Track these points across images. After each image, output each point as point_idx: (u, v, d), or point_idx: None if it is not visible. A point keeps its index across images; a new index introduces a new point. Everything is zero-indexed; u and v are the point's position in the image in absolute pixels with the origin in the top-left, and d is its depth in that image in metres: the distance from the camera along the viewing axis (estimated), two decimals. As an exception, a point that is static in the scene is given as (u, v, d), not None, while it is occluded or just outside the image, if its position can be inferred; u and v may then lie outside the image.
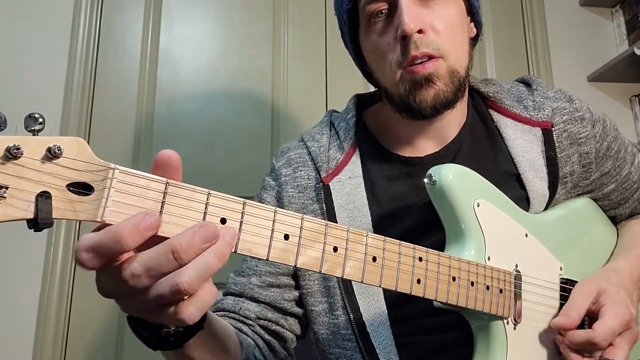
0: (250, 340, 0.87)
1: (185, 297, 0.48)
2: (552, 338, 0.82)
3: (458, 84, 0.87)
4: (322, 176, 0.93)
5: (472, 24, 0.95)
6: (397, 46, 0.85)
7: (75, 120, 1.79)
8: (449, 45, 0.85)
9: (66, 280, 1.69)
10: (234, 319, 0.90)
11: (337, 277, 0.61)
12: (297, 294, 0.94)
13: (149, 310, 0.50)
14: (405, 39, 0.83)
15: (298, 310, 0.94)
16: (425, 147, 0.95)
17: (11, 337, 1.63)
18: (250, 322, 0.90)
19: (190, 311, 0.49)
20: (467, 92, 0.98)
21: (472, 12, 0.94)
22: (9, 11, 1.83)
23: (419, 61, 0.84)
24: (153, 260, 0.46)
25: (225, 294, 0.95)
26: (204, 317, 0.64)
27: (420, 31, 0.83)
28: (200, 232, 0.47)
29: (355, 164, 0.94)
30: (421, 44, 0.83)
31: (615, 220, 1.07)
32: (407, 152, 0.96)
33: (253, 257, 0.93)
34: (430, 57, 0.84)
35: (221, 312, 0.91)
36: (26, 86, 1.79)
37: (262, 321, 0.91)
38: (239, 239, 0.52)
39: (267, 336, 0.90)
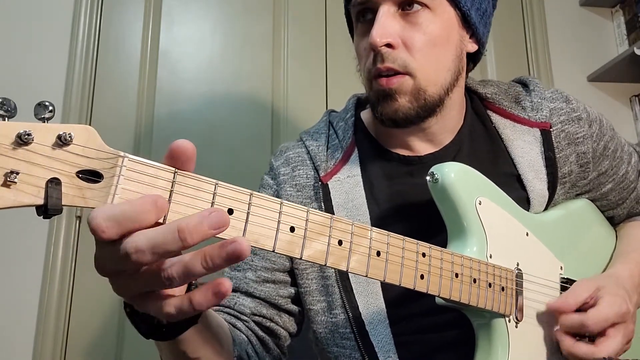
0: (244, 336, 0.87)
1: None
2: (554, 336, 0.82)
3: (424, 103, 0.86)
4: (320, 175, 0.93)
5: (473, 40, 0.93)
6: (370, 54, 0.85)
7: (76, 121, 1.78)
8: (420, 64, 0.84)
9: (66, 280, 1.68)
10: (229, 314, 0.90)
11: (342, 271, 0.61)
12: (293, 291, 0.94)
13: (139, 293, 0.50)
14: (374, 50, 0.84)
15: (293, 307, 0.94)
16: (421, 148, 0.95)
17: (11, 337, 1.63)
18: (245, 317, 0.90)
19: (169, 310, 0.49)
20: (463, 95, 0.98)
21: (472, 29, 0.92)
22: (8, 11, 1.83)
23: (385, 74, 0.84)
24: (159, 237, 0.45)
25: None
26: (199, 313, 0.63)
27: (389, 45, 0.83)
28: (210, 218, 0.45)
29: (354, 163, 0.95)
30: (387, 59, 0.83)
31: (612, 221, 1.07)
32: (406, 152, 0.96)
33: (252, 252, 0.94)
34: (396, 73, 0.84)
35: (216, 307, 0.90)
36: (26, 87, 1.78)
37: (256, 317, 0.91)
38: (245, 230, 0.52)
39: (260, 333, 0.90)
